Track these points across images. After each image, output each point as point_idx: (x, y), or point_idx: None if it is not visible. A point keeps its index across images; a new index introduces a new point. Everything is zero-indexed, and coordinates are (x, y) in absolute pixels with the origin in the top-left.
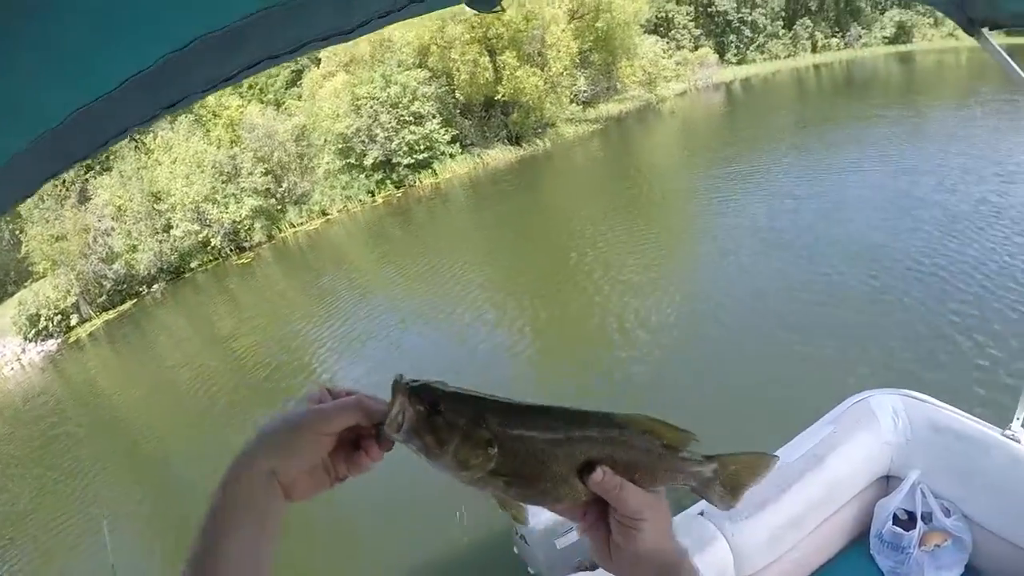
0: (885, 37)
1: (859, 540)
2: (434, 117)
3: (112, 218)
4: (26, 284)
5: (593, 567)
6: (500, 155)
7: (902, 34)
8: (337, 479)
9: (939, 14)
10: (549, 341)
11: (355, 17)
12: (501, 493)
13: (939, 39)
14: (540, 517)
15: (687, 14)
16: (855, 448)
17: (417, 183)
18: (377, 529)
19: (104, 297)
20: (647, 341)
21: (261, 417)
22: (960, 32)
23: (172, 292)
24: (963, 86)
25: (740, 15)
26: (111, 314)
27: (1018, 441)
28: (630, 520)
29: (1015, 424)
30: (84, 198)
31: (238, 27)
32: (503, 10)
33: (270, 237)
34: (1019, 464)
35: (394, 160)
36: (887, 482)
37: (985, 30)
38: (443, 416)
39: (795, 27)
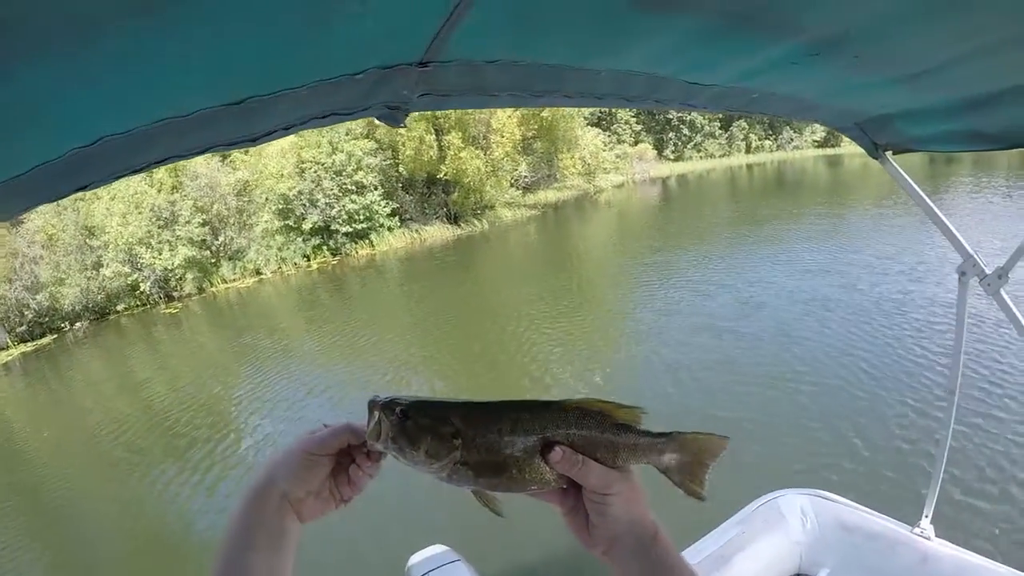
0: (815, 140)
1: None
2: (376, 189)
3: (42, 246)
4: None
5: None
6: (438, 232)
7: (831, 138)
8: (342, 500)
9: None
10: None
11: (258, 128)
12: (474, 485)
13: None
14: None
15: (630, 110)
16: (764, 548)
17: (353, 252)
18: None
19: (24, 327)
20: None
21: (171, 465)
22: None
23: (94, 332)
24: (882, 189)
25: (680, 115)
26: (29, 347)
27: (928, 538)
28: (599, 496)
29: (923, 521)
30: (16, 221)
31: (143, 131)
32: (406, 126)
33: (200, 290)
34: (929, 561)
35: (333, 227)
36: None
37: (888, 154)
38: (412, 420)
39: (731, 128)
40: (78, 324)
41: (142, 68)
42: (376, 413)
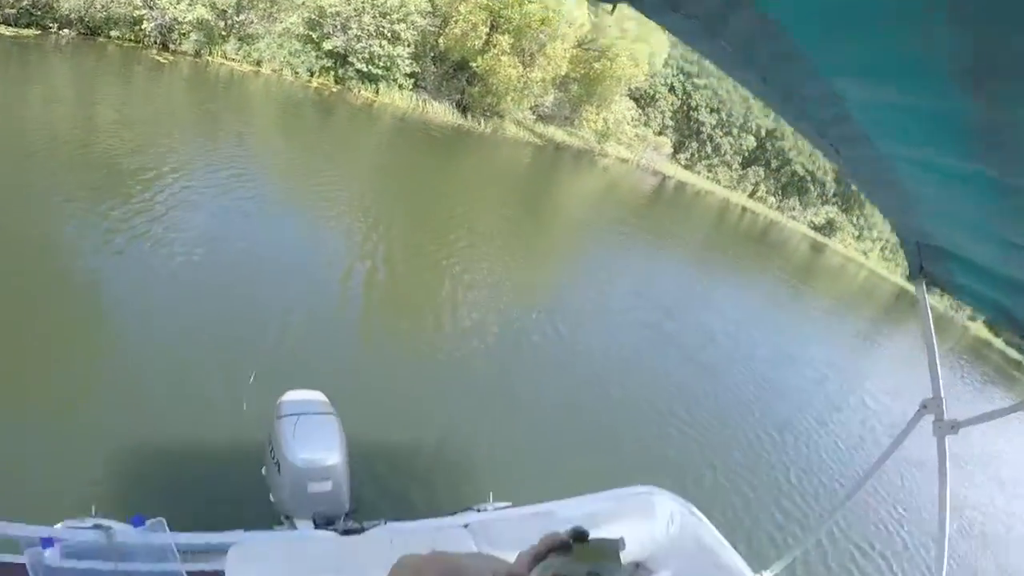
0: (813, 222)
1: None
2: (408, 45)
3: None
4: None
5: (330, 522)
6: (443, 112)
7: (827, 227)
8: None
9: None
10: (385, 286)
11: None
12: None
13: (853, 250)
14: (299, 454)
15: (671, 103)
16: (624, 530)
17: (356, 90)
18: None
19: (14, 11)
20: (473, 336)
21: (85, 191)
22: (872, 253)
23: (77, 45)
24: (849, 300)
25: (712, 132)
26: (9, 31)
27: None
28: None
29: (767, 573)
30: None
31: None
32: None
33: (197, 53)
34: None
35: (351, 59)
36: (635, 568)
37: (925, 283)
38: None
39: (748, 169)
40: (66, 31)
41: None
42: None
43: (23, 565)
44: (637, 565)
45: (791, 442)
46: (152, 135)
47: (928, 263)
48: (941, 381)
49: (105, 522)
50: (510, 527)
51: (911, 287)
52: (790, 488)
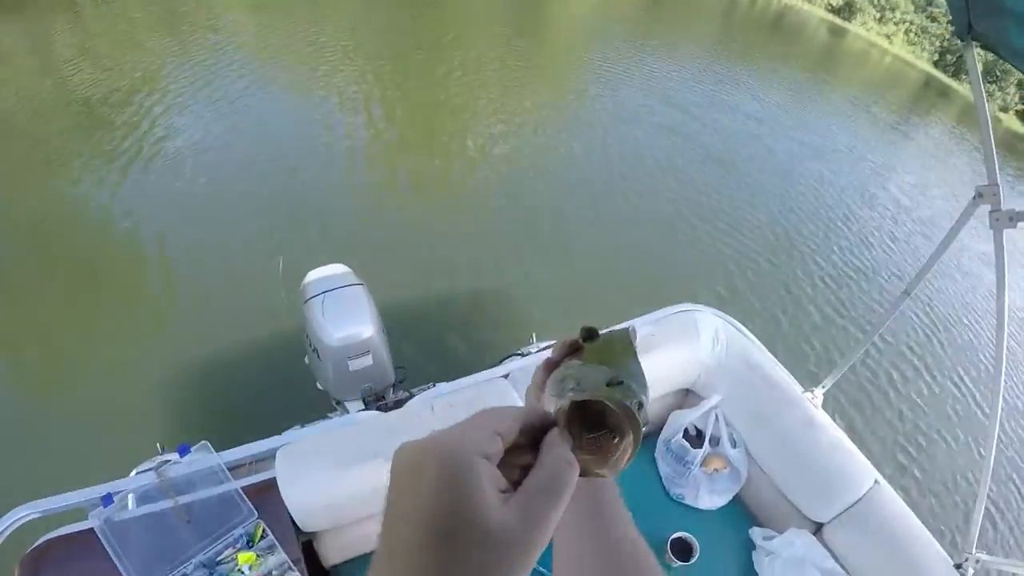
0: (830, 4)
1: (645, 440)
2: None
3: None
4: None
5: (379, 398)
6: None
7: (845, 10)
8: None
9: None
10: (387, 137)
11: None
12: None
13: (875, 33)
14: (334, 334)
15: None
16: (670, 355)
17: None
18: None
19: None
20: (493, 165)
21: (80, 144)
22: (896, 37)
23: None
24: (874, 83)
25: None
26: None
27: (816, 406)
28: None
29: (817, 389)
30: None
31: None
32: None
33: None
34: (814, 428)
35: None
36: (686, 395)
37: (976, 44)
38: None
39: None
40: None
41: None
42: (635, 416)
43: (92, 530)
44: (687, 391)
45: (827, 244)
46: (123, 63)
47: (979, 20)
48: (996, 164)
49: (171, 454)
50: None
51: (939, 73)
52: (831, 295)
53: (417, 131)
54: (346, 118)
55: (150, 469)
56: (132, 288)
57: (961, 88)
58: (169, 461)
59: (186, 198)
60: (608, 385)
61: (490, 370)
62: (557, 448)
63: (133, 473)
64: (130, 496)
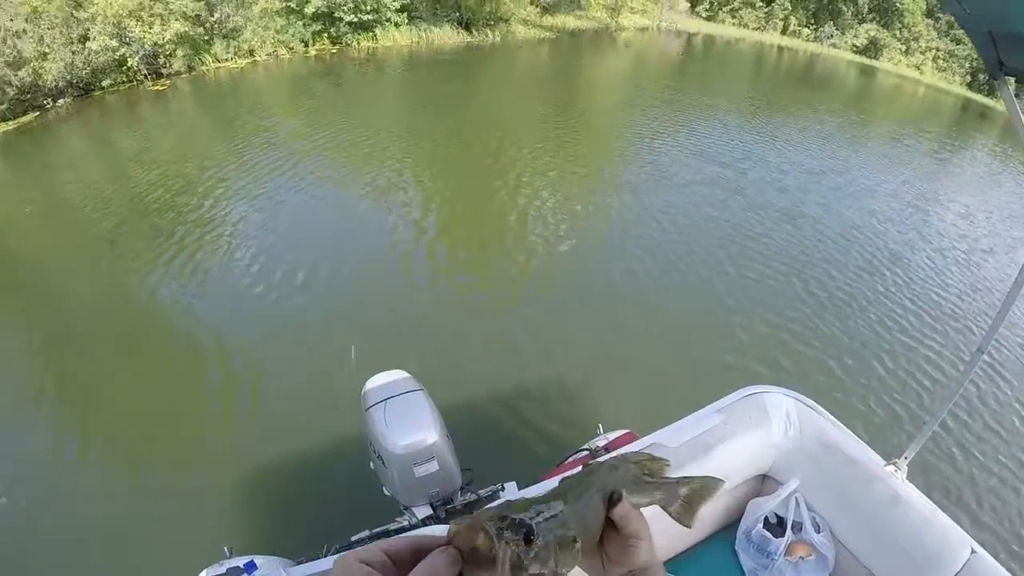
0: (855, 46)
1: (724, 533)
2: None
3: (26, 19)
4: None
5: (447, 502)
6: (446, 36)
7: (871, 49)
8: None
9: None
10: (454, 229)
11: None
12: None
13: (904, 66)
14: (398, 442)
15: None
16: (742, 443)
17: (355, 44)
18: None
19: (5, 105)
20: (540, 257)
21: (149, 242)
22: (925, 66)
23: (78, 109)
24: (912, 115)
25: None
26: (11, 125)
27: (900, 479)
28: (634, 540)
29: (901, 461)
30: None
31: None
32: None
33: (190, 68)
34: (900, 504)
35: (336, 14)
36: (763, 481)
37: (1010, 80)
38: (536, 539)
39: (773, 4)
40: (61, 101)
41: None
42: (499, 546)
43: None
44: (764, 477)
45: (889, 297)
46: (187, 170)
47: (1009, 56)
48: None
49: (242, 559)
50: None
51: (974, 95)
52: (901, 355)
53: (466, 220)
54: (394, 215)
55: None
56: (199, 383)
57: (999, 105)
58: (241, 574)
59: (249, 304)
60: (495, 516)
61: (555, 475)
62: (429, 558)
63: (203, 573)
64: None
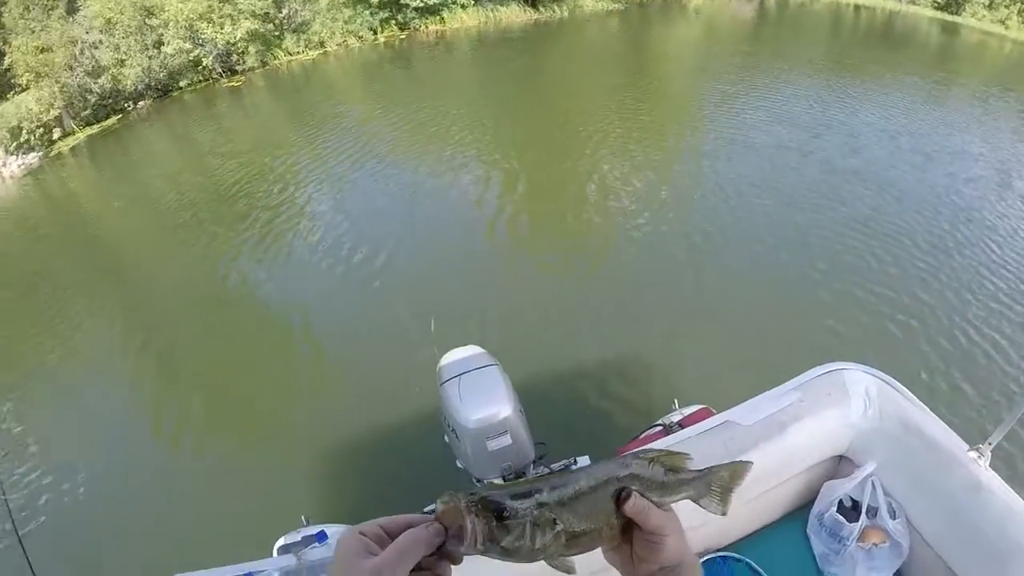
0: (935, 1)
1: (796, 514)
2: None
3: (100, 31)
4: (8, 97)
5: (520, 476)
6: (514, 14)
7: (952, 4)
8: None
9: None
10: (529, 203)
11: None
12: (565, 554)
13: (988, 21)
14: (471, 416)
15: None
16: (819, 423)
17: (423, 28)
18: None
19: (88, 111)
20: (616, 228)
21: (230, 229)
22: (1011, 20)
23: (158, 109)
24: (998, 73)
25: None
26: (95, 129)
27: (984, 466)
28: (657, 536)
29: (984, 447)
30: (72, 9)
31: None
32: None
33: (263, 63)
34: (982, 492)
35: (402, 1)
36: (839, 462)
37: None
38: (509, 518)
39: None
40: (141, 103)
41: None
42: (469, 519)
43: None
44: (840, 458)
45: (979, 271)
46: (263, 162)
47: None
48: None
49: (316, 528)
50: (693, 445)
51: None
52: (993, 333)
53: (544, 196)
54: (476, 195)
55: (292, 549)
56: (286, 361)
57: None
58: (313, 542)
59: (331, 284)
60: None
61: (629, 449)
62: (413, 529)
63: (277, 545)
64: None
